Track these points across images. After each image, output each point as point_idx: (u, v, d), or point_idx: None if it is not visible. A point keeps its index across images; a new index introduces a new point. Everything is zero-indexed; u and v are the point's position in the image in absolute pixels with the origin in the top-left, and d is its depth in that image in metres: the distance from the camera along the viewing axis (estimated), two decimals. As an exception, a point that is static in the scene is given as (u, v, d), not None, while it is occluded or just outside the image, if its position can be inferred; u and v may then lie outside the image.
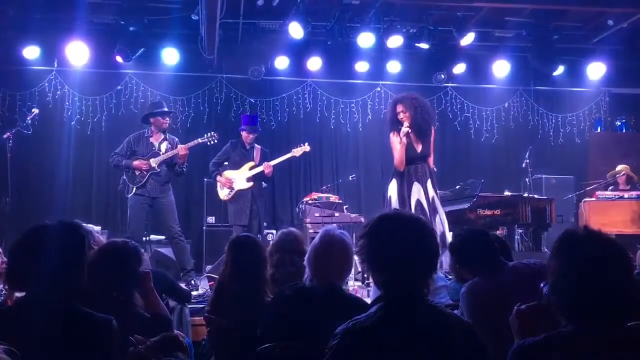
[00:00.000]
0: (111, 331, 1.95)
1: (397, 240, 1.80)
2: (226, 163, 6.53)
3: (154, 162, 6.10)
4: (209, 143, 6.34)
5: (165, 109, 6.48)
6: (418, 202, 5.32)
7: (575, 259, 1.62)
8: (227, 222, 6.85)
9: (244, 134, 6.53)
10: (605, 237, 1.66)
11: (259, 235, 6.08)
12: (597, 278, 1.58)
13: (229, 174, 6.43)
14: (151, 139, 6.24)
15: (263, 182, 6.63)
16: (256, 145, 6.61)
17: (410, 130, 5.35)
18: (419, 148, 5.43)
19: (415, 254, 1.80)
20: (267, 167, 6.34)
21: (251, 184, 6.36)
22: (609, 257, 1.61)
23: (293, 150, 6.64)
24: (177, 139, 6.35)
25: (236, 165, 6.45)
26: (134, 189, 6.09)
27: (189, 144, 6.18)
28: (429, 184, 5.41)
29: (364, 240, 1.86)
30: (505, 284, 2.65)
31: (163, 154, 6.14)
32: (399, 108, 5.42)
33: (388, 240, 1.81)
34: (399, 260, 1.79)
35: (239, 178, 6.38)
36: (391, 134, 5.50)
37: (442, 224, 5.35)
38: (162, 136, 6.27)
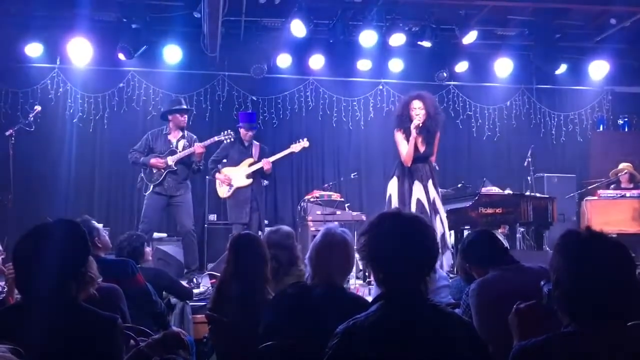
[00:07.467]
0: (116, 329, 1.95)
1: (396, 237, 1.84)
2: (225, 160, 6.52)
3: (170, 160, 6.10)
4: (225, 141, 6.32)
5: (184, 107, 6.47)
6: (419, 201, 5.32)
7: (576, 260, 1.62)
8: (228, 220, 6.82)
9: (242, 131, 6.53)
10: (608, 238, 1.66)
11: (259, 232, 6.07)
12: (598, 279, 1.57)
13: (227, 171, 6.42)
14: (169, 137, 6.25)
15: (264, 180, 6.63)
16: (254, 142, 6.60)
17: (421, 125, 5.34)
18: (422, 149, 5.44)
19: (413, 250, 1.83)
20: (266, 164, 6.32)
21: (250, 180, 6.35)
22: (611, 259, 1.61)
23: (292, 146, 6.62)
24: (195, 137, 6.33)
25: (235, 162, 6.44)
26: (152, 186, 6.09)
27: (206, 142, 6.17)
28: (430, 184, 5.41)
29: (364, 238, 1.91)
30: (516, 282, 2.64)
31: (180, 151, 6.14)
32: (417, 104, 5.40)
33: (387, 237, 1.86)
34: (397, 256, 1.82)
35: (237, 175, 6.37)
36: (396, 131, 5.49)
37: (442, 225, 5.36)
38: (180, 134, 6.27)
